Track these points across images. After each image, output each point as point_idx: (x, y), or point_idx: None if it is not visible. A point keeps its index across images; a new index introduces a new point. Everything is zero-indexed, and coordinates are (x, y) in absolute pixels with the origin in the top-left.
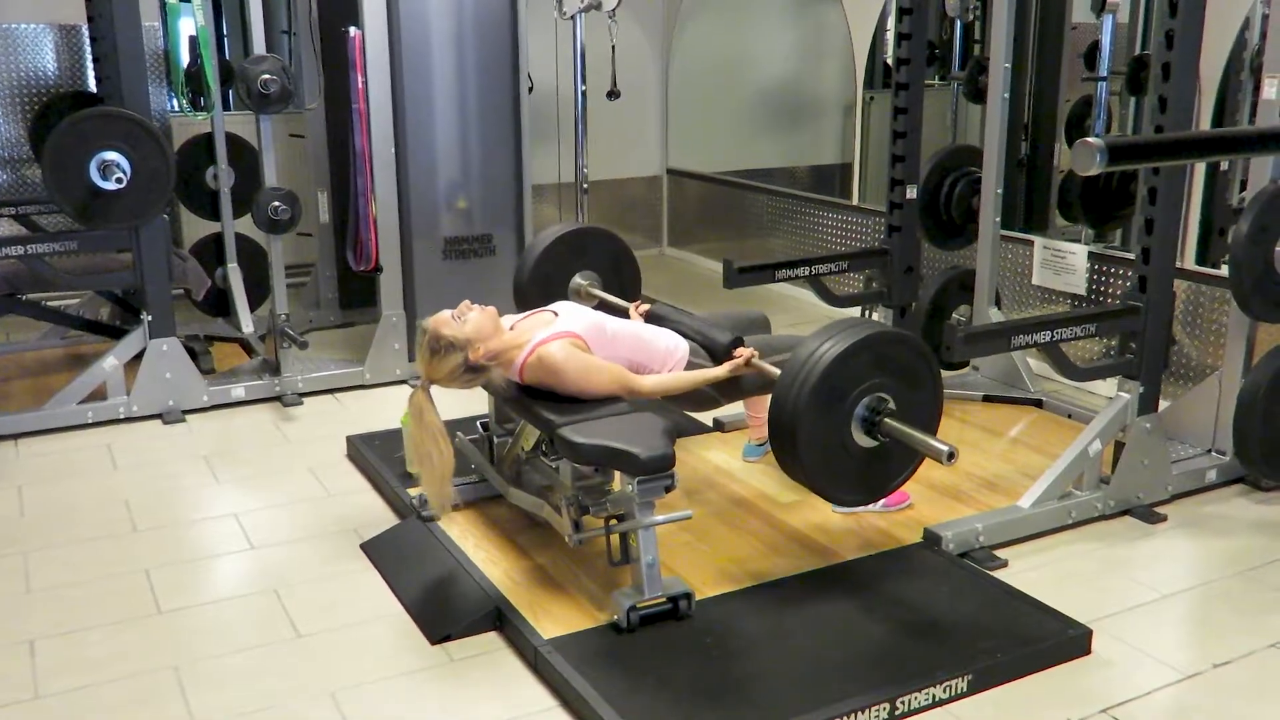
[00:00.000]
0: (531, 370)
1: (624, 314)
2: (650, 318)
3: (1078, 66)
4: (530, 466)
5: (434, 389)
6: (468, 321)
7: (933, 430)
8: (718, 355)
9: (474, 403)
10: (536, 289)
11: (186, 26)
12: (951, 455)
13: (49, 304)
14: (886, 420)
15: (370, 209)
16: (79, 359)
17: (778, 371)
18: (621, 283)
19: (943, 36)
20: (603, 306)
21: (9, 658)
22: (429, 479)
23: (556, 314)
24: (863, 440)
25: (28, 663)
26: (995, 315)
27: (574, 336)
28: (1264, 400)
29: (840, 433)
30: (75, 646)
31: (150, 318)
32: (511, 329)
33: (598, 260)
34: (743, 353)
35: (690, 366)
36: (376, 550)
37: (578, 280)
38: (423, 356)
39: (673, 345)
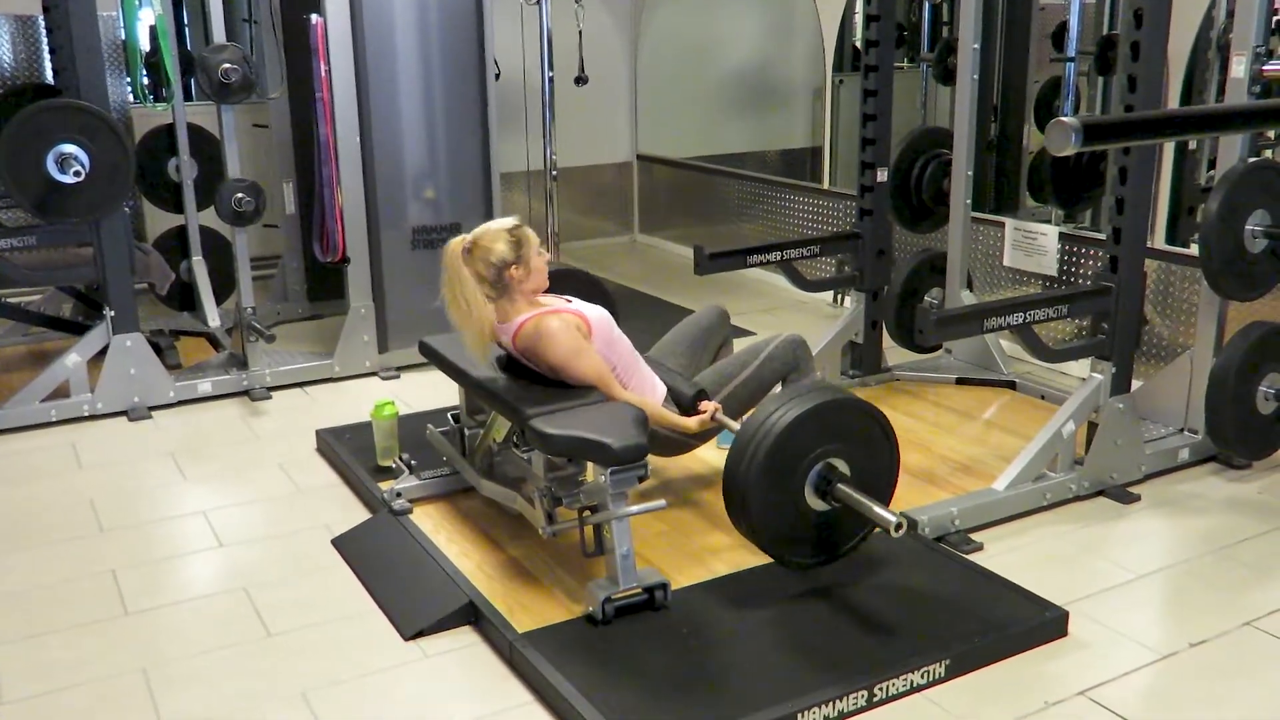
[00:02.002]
0: (527, 334)
1: None
2: None
3: (1046, 47)
4: (502, 458)
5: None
6: (539, 257)
7: (889, 492)
8: (683, 407)
9: (444, 395)
10: None
11: (146, 16)
12: (899, 526)
13: (9, 300)
14: (839, 486)
15: (337, 199)
16: (41, 356)
17: (737, 427)
18: None
19: (911, 18)
20: None
21: None
22: (468, 330)
23: (570, 300)
24: (816, 504)
25: None
26: (967, 298)
27: (581, 318)
28: (1235, 379)
29: (794, 497)
30: (40, 650)
31: (113, 313)
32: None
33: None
34: (706, 407)
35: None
36: (348, 546)
37: None
38: (490, 226)
39: (656, 382)
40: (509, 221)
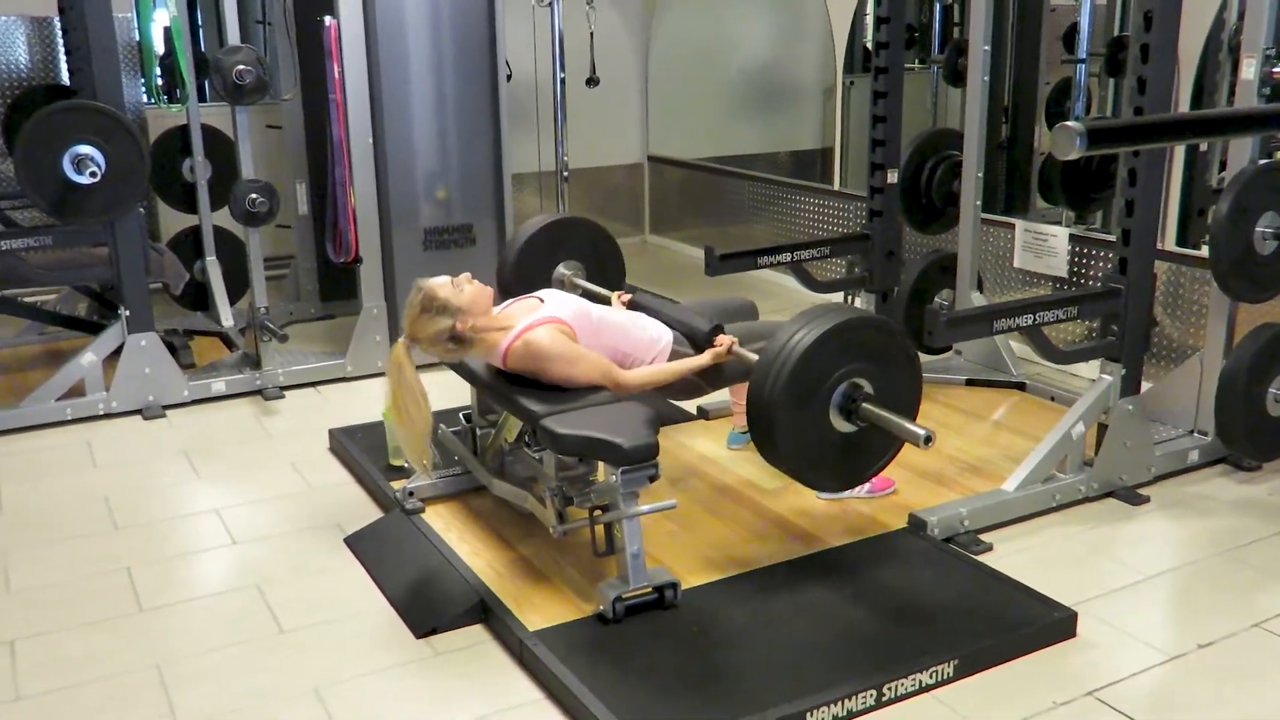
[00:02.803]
0: (516, 355)
1: (606, 303)
2: (632, 306)
3: (1057, 49)
4: (513, 458)
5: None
6: (464, 291)
7: (913, 413)
8: (699, 343)
9: (456, 394)
10: (520, 280)
11: (160, 17)
12: (928, 439)
13: (25, 300)
14: (864, 405)
15: (349, 200)
16: (56, 355)
17: (754, 358)
18: (605, 271)
19: (922, 20)
20: (586, 296)
21: None
22: (407, 437)
23: (542, 300)
24: (841, 425)
25: (8, 664)
26: (977, 299)
27: (561, 323)
28: (1245, 380)
29: (818, 419)
30: (56, 647)
31: (128, 313)
32: (498, 314)
33: (580, 249)
34: (723, 340)
35: (674, 355)
36: (360, 544)
37: (561, 270)
38: (411, 313)
39: (657, 334)
40: (416, 298)
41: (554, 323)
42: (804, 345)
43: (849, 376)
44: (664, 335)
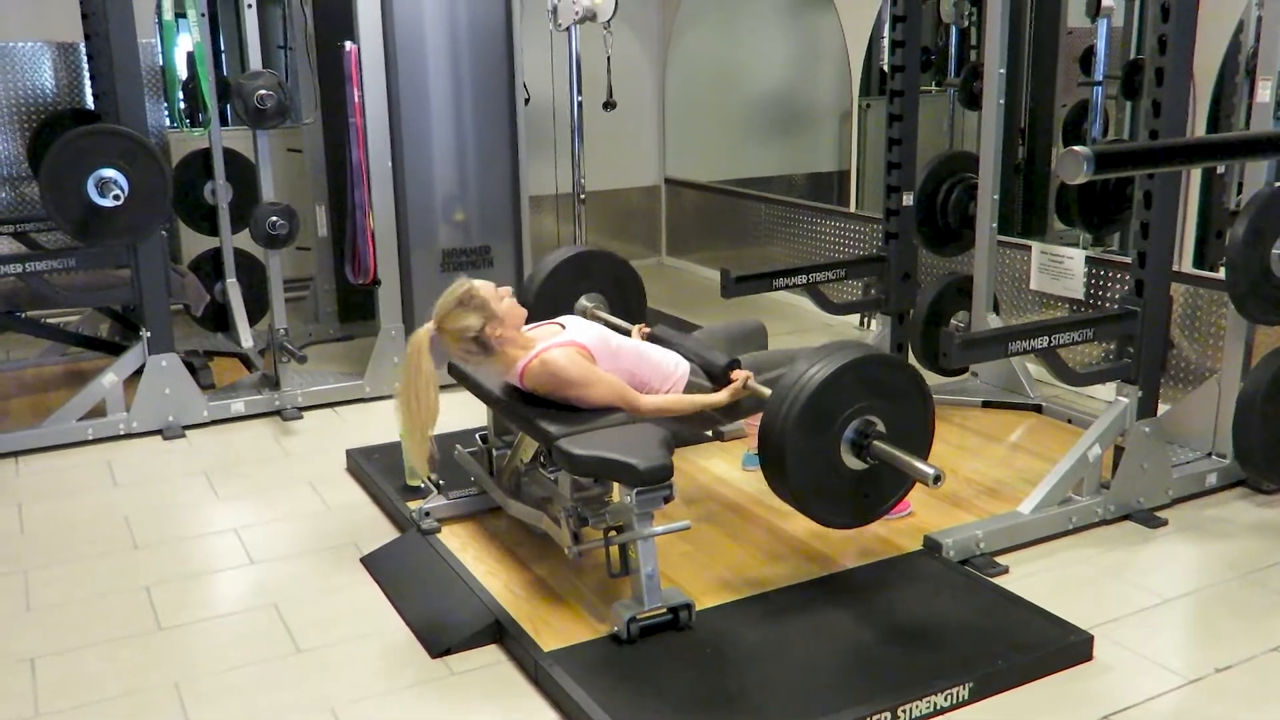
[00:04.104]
0: (533, 374)
1: (627, 335)
2: (650, 339)
3: (1073, 71)
4: (529, 478)
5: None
6: (503, 301)
7: (925, 450)
8: (715, 377)
9: (473, 415)
10: (542, 311)
11: (184, 43)
12: (938, 478)
13: (48, 321)
14: (875, 443)
15: (368, 222)
16: (78, 376)
17: (768, 393)
18: (626, 304)
19: (938, 43)
20: (607, 328)
21: (9, 676)
22: (410, 427)
23: (564, 326)
24: (853, 463)
25: (28, 681)
26: (993, 321)
27: (580, 347)
28: (1263, 403)
29: (830, 456)
30: (76, 664)
31: (149, 334)
32: (522, 335)
33: (603, 282)
34: (739, 375)
35: (690, 386)
36: (376, 564)
37: (583, 302)
38: (446, 302)
39: (673, 365)
40: (459, 289)
41: (573, 346)
42: (816, 381)
43: (861, 413)
44: (680, 365)
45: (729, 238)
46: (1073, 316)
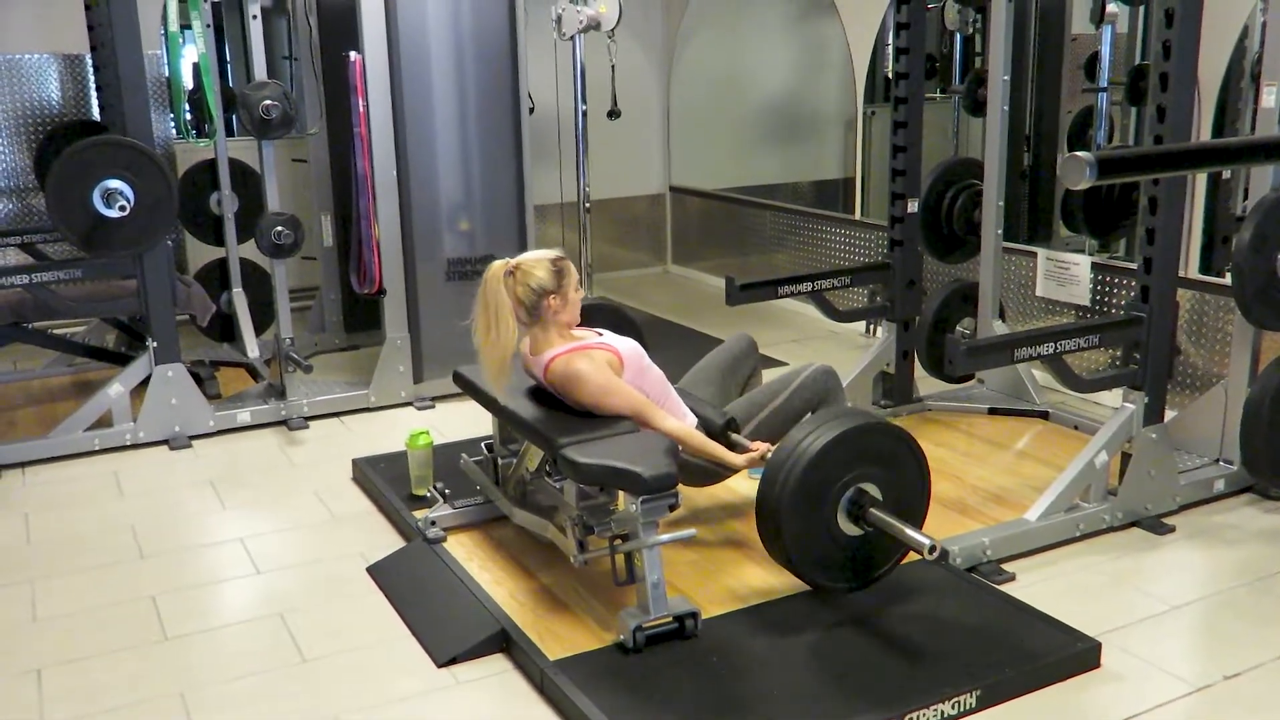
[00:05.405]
0: (559, 367)
1: None
2: None
3: (1078, 77)
4: (535, 487)
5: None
6: (579, 291)
7: (921, 517)
8: (714, 435)
9: (478, 424)
10: None
11: (189, 54)
12: (933, 549)
13: (55, 332)
14: (871, 510)
15: (373, 232)
16: (85, 386)
17: None
18: None
19: (942, 50)
20: None
21: (16, 686)
22: (489, 357)
23: (600, 334)
24: (849, 529)
25: (34, 691)
26: (999, 328)
27: (613, 353)
28: (1270, 409)
29: (826, 522)
30: (82, 674)
31: (155, 344)
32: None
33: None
34: (759, 447)
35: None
36: (382, 573)
37: None
38: (534, 254)
39: (684, 410)
40: (553, 252)
41: (606, 350)
42: (813, 450)
43: (857, 481)
44: (689, 416)
45: (734, 245)
46: (1079, 323)
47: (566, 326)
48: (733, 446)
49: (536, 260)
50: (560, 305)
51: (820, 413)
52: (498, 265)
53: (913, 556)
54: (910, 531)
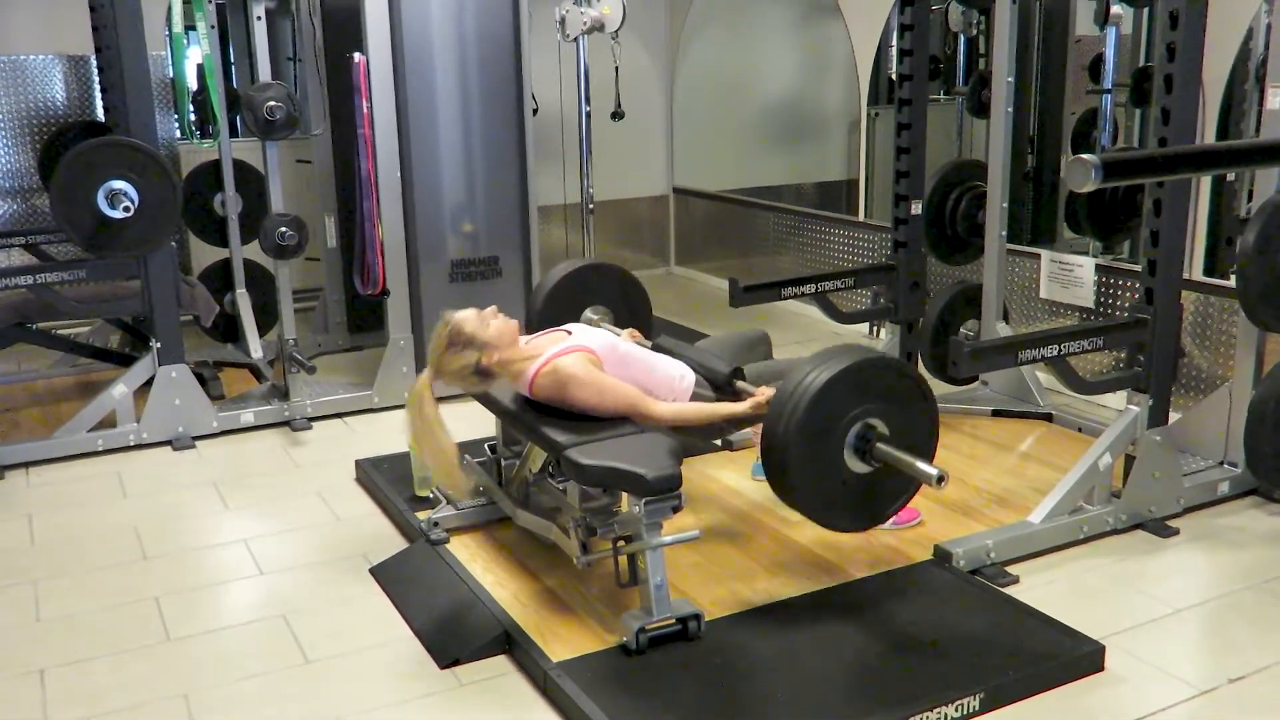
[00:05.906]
0: (544, 382)
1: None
2: (655, 349)
3: (1082, 79)
4: (538, 488)
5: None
6: (491, 325)
7: (930, 453)
8: (719, 385)
9: (481, 425)
10: (547, 324)
11: (193, 55)
12: (941, 479)
13: (58, 332)
14: (878, 445)
15: (377, 233)
16: (89, 387)
17: None
18: (633, 316)
19: (946, 52)
20: None
21: (19, 687)
22: (438, 469)
23: (570, 333)
24: (856, 466)
25: (37, 692)
26: (1003, 330)
27: (589, 352)
28: (1275, 411)
29: (833, 459)
30: (85, 675)
31: (159, 345)
32: (525, 345)
33: (608, 294)
34: (764, 392)
35: (695, 395)
36: (385, 574)
37: (588, 314)
38: (437, 347)
39: (680, 373)
40: (443, 331)
41: (582, 351)
42: (817, 385)
43: (863, 417)
44: (686, 375)
45: (737, 247)
46: (1083, 325)
47: (516, 348)
48: (739, 394)
49: (445, 355)
50: (494, 351)
51: (825, 350)
52: (422, 382)
53: (915, 558)
54: (918, 464)
